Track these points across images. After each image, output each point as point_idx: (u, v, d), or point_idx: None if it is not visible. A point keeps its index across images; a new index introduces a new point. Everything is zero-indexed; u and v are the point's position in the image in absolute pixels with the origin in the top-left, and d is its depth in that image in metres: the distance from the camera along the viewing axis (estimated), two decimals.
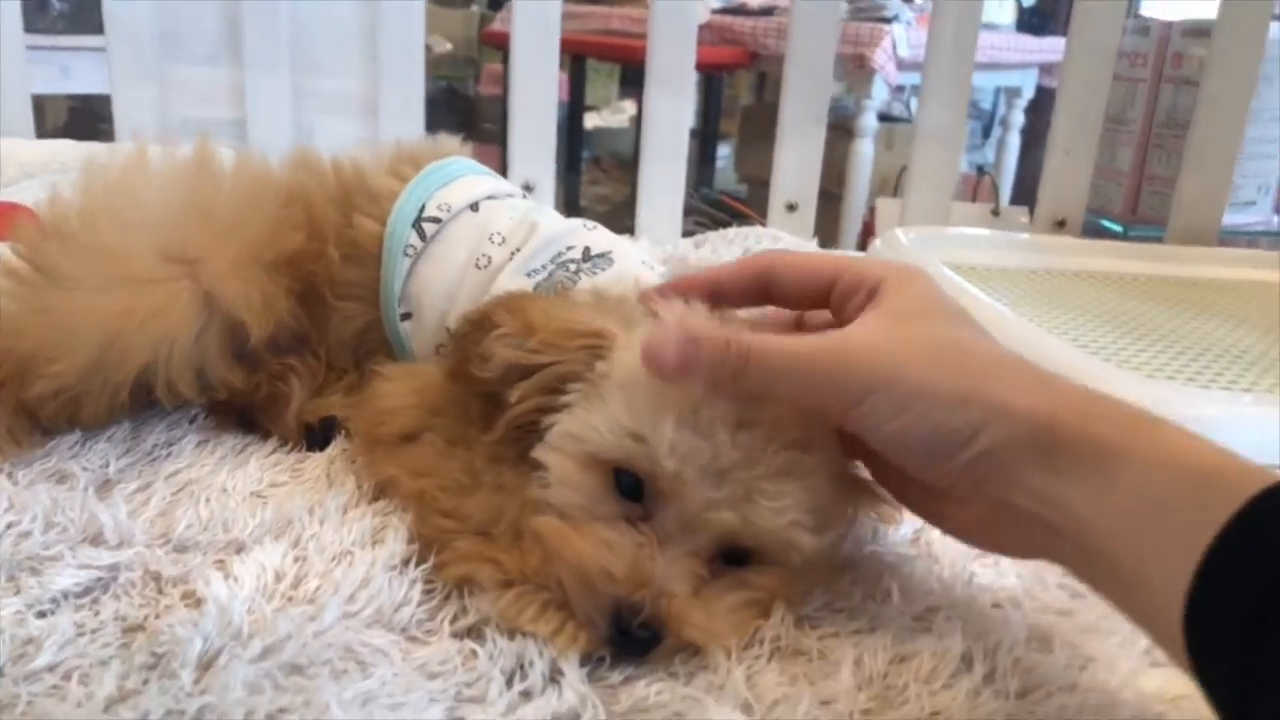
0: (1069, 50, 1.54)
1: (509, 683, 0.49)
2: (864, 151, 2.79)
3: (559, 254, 0.72)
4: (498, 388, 0.58)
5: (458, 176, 0.80)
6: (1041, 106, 3.38)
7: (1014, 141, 3.25)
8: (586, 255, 0.72)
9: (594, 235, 0.74)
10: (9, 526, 0.57)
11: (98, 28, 1.52)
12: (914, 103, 3.56)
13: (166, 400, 0.70)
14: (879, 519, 0.63)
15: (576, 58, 3.42)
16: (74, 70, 2.29)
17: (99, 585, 0.54)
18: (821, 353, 0.50)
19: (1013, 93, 3.30)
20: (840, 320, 0.54)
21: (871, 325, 0.51)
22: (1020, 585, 0.62)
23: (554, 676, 0.50)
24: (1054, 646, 0.55)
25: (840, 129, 2.53)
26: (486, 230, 0.75)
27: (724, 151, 3.90)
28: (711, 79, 3.47)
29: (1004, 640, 0.54)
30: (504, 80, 1.73)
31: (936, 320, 0.51)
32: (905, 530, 0.66)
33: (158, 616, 0.51)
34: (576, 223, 0.76)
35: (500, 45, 3.23)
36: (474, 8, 4.53)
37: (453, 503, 0.57)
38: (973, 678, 0.51)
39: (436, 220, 0.76)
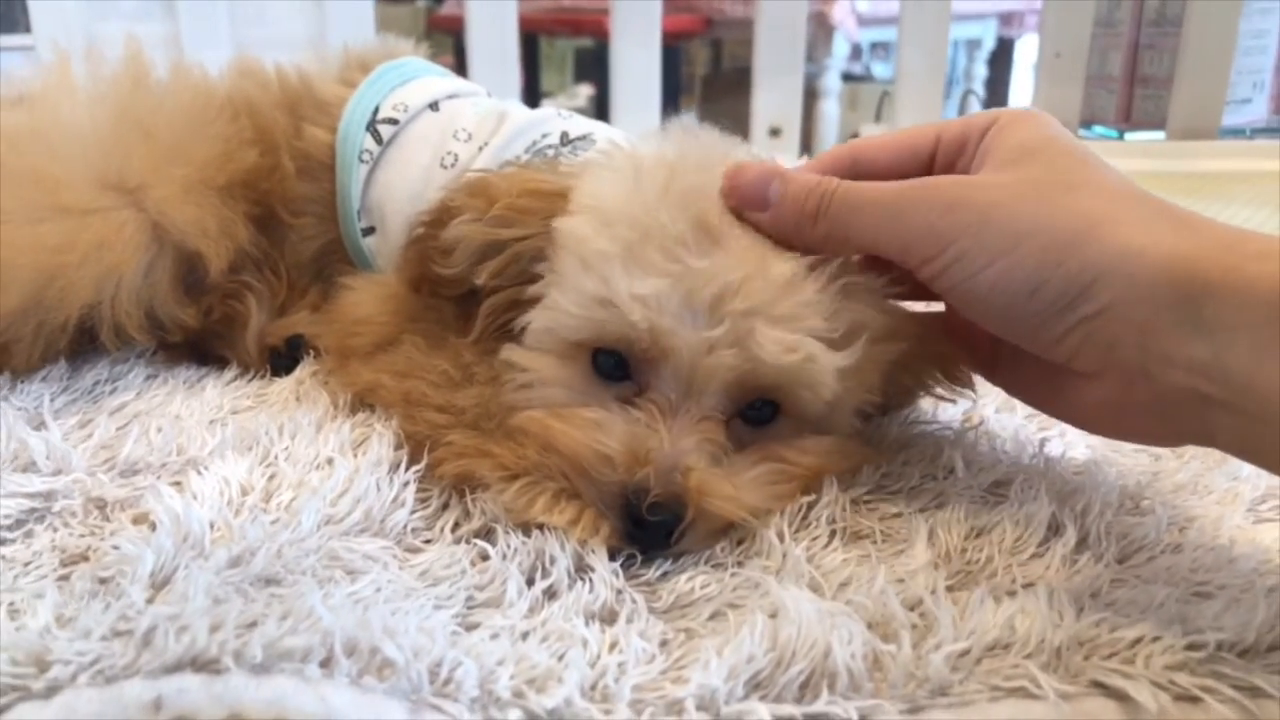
0: None
1: (529, 581, 0.41)
2: (830, 112, 2.77)
3: (534, 142, 0.64)
4: (465, 276, 0.50)
5: (414, 77, 0.71)
6: (1003, 58, 3.34)
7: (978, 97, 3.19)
8: (565, 140, 0.64)
9: (571, 120, 0.66)
10: None
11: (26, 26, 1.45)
12: (874, 64, 3.54)
13: (112, 344, 0.62)
14: (943, 392, 0.55)
15: (529, 38, 3.34)
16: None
17: (31, 516, 0.45)
18: (908, 191, 0.43)
19: (973, 45, 3.25)
20: None
21: (975, 171, 0.44)
22: (1094, 454, 0.55)
23: (581, 571, 0.42)
24: (1149, 508, 0.48)
25: (804, 91, 2.48)
26: (450, 127, 0.67)
27: None
28: (668, 52, 3.39)
29: (1093, 503, 0.47)
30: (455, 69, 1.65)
31: (1052, 158, 0.42)
32: (954, 411, 0.59)
33: (103, 544, 0.43)
34: (550, 110, 0.69)
35: (450, 30, 3.14)
36: (419, 3, 4.43)
37: (444, 398, 0.49)
38: (1064, 544, 0.44)
39: (393, 122, 0.68)
